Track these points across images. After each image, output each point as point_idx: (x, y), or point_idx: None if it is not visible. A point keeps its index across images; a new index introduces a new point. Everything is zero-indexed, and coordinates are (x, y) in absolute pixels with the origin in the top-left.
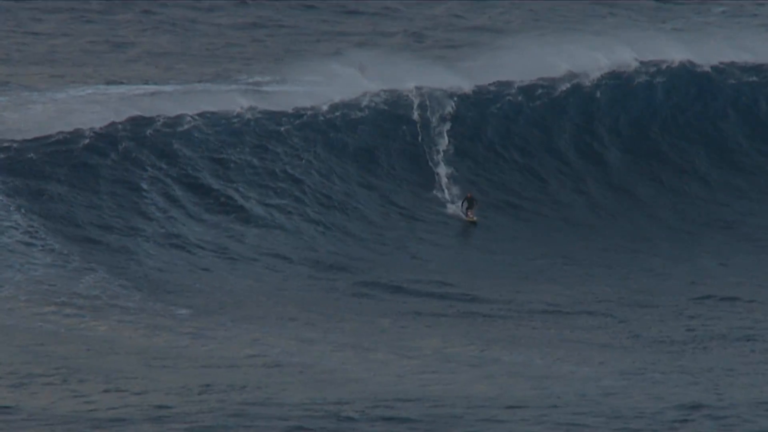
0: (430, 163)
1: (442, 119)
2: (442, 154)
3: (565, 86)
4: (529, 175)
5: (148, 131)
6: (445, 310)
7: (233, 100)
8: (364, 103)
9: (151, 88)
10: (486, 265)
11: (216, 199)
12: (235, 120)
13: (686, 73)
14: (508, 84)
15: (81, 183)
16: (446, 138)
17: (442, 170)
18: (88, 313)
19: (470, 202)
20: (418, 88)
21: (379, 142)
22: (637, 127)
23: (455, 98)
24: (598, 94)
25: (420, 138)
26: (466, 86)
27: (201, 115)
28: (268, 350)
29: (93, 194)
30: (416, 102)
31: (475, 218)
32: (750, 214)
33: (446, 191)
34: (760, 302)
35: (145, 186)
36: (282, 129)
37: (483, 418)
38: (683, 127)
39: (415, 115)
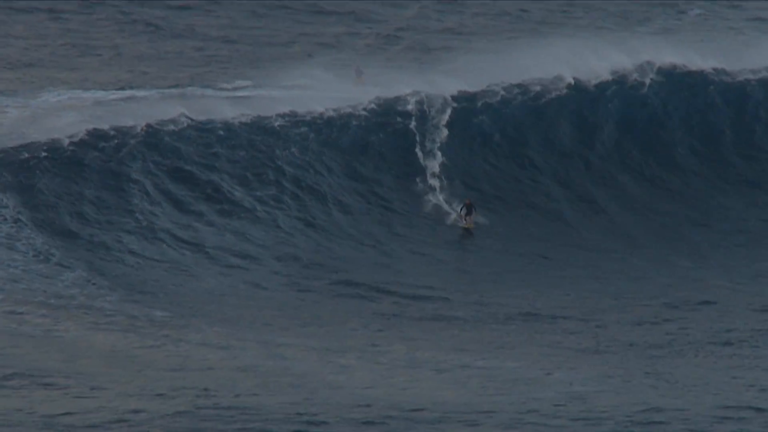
0: (420, 161)
1: (435, 123)
2: (434, 155)
3: (551, 88)
4: (517, 176)
5: (132, 134)
6: (421, 313)
7: (216, 104)
8: (357, 108)
9: (128, 92)
10: (465, 266)
11: (199, 200)
12: (223, 123)
13: (672, 74)
14: (497, 87)
15: (67, 184)
16: (438, 141)
17: (433, 171)
18: (63, 313)
19: (468, 209)
20: (412, 93)
21: (370, 145)
22: (623, 128)
23: (449, 102)
24: (585, 95)
25: (412, 140)
26: (460, 90)
27: (186, 118)
28: (241, 354)
29: (78, 194)
30: (410, 107)
31: (472, 225)
32: (731, 214)
33: (439, 196)
34: (735, 306)
35: (129, 187)
36: (270, 133)
37: (458, 421)
38: (668, 128)
39: (408, 120)
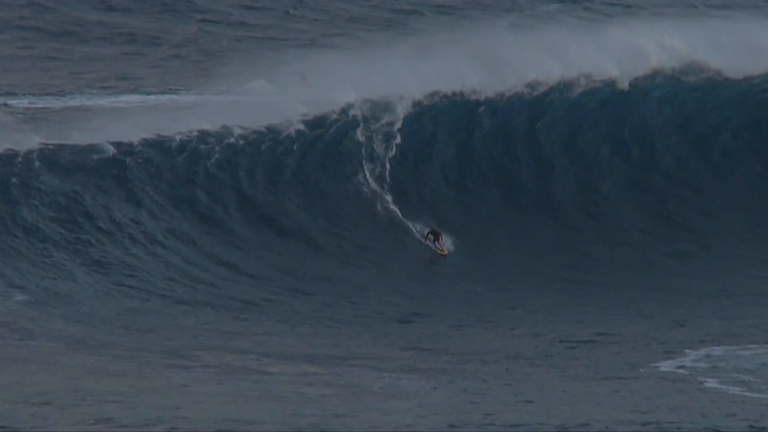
0: (369, 176)
1: (385, 130)
2: (386, 167)
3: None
4: (465, 190)
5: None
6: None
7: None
8: (297, 119)
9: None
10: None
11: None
12: (169, 139)
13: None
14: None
15: None
16: (389, 151)
17: (382, 183)
18: None
19: (435, 235)
20: (358, 99)
21: (317, 159)
22: (588, 138)
23: (397, 107)
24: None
25: (363, 152)
26: (410, 93)
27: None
28: (87, 355)
29: None
30: (357, 113)
31: (445, 251)
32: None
33: (387, 203)
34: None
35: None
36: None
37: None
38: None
39: (357, 129)
